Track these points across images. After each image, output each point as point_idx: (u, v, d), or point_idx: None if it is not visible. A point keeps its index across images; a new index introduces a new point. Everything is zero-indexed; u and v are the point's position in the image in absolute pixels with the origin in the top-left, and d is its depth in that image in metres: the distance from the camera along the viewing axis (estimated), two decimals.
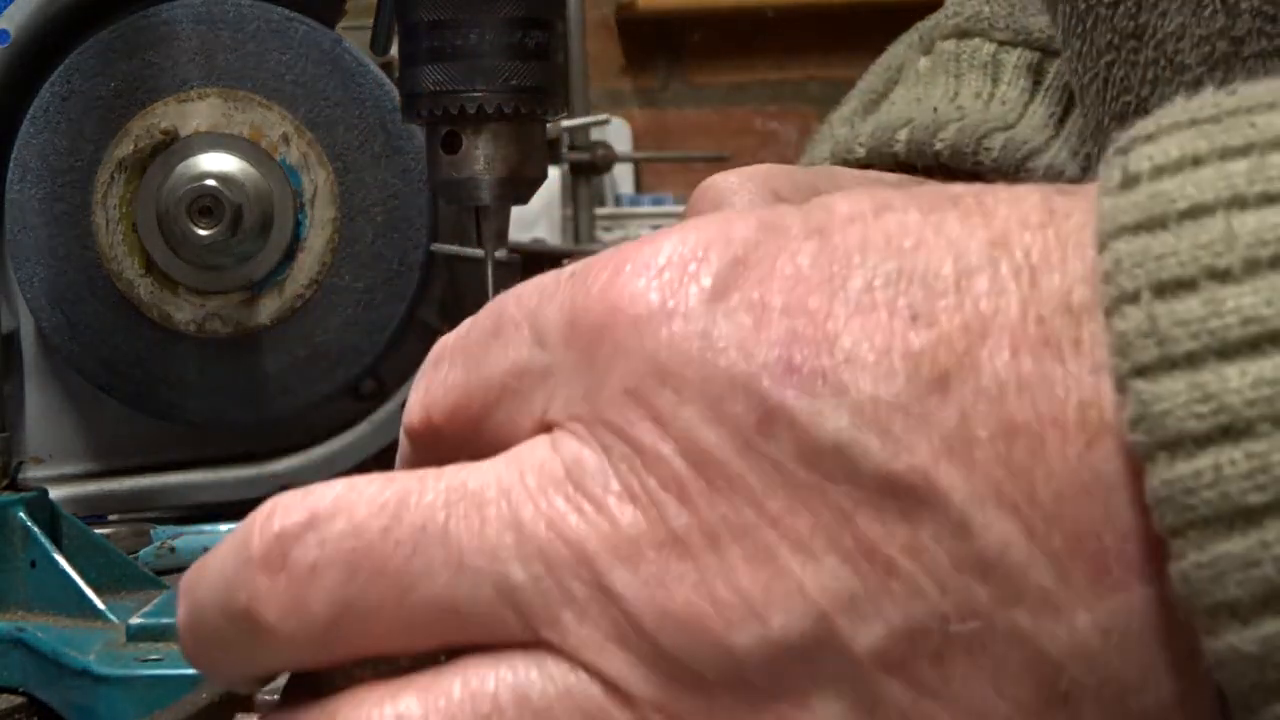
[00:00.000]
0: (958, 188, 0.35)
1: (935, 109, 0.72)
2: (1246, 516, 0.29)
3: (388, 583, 0.34)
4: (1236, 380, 0.29)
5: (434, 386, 0.38)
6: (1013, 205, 0.33)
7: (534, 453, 0.35)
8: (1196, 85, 0.47)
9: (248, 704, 0.50)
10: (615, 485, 0.33)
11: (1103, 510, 0.31)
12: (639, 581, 0.33)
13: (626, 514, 0.33)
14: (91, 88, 1.02)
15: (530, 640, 0.34)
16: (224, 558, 0.36)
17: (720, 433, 0.33)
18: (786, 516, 0.32)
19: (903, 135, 0.70)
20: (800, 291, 0.33)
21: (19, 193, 1.03)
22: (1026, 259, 0.32)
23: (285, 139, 1.03)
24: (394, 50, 0.80)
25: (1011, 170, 0.69)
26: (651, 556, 0.33)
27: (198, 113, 1.02)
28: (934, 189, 0.35)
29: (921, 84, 0.75)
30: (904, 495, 0.32)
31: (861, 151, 0.71)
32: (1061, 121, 0.72)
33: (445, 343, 0.38)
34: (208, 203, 1.01)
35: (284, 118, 1.03)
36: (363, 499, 0.35)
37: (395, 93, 0.93)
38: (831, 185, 0.62)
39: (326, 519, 0.35)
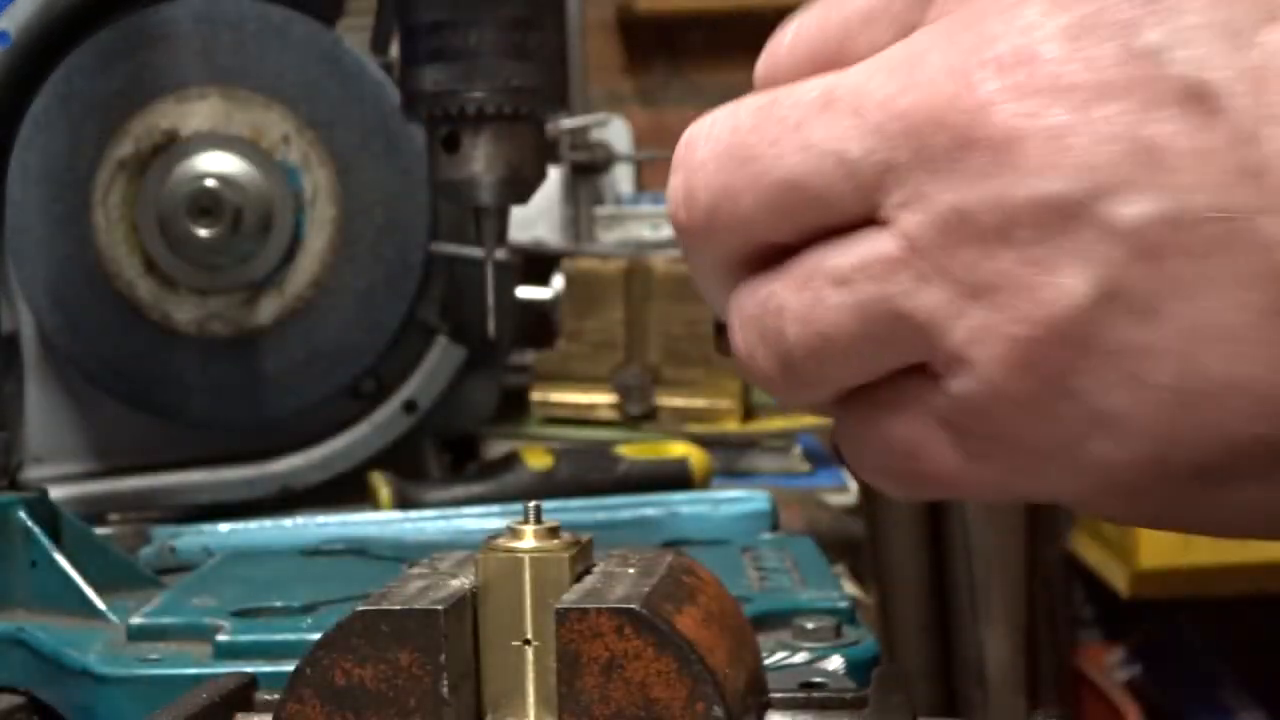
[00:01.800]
0: None
1: None
2: None
3: (752, 167, 0.41)
4: None
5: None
6: None
7: (893, 53, 0.40)
8: None
9: (248, 704, 0.51)
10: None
11: None
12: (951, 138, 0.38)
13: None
14: (91, 88, 1.02)
15: (863, 214, 0.40)
16: None
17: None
18: (1093, 98, 0.37)
19: None
20: None
21: (19, 193, 1.03)
22: None
23: (285, 139, 1.03)
24: (394, 50, 0.80)
25: None
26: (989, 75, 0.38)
27: (198, 113, 1.02)
28: None
29: None
30: (1201, 101, 0.36)
31: None
32: None
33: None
34: (208, 203, 1.01)
35: (284, 118, 1.03)
36: (745, 105, 0.42)
37: (395, 93, 0.93)
38: None
39: (717, 120, 0.43)
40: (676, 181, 0.43)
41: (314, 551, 0.83)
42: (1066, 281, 0.37)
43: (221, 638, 0.63)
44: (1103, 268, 0.37)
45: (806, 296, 0.41)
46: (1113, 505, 0.41)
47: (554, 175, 2.19)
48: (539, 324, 1.33)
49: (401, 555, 0.77)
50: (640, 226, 2.45)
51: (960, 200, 0.38)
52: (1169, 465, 0.39)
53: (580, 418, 1.30)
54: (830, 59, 0.43)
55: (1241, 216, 0.36)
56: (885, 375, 0.42)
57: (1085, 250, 0.37)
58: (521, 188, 0.77)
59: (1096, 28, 0.37)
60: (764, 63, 0.45)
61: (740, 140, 0.42)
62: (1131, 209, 0.37)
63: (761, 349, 0.43)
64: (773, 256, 0.42)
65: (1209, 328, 0.37)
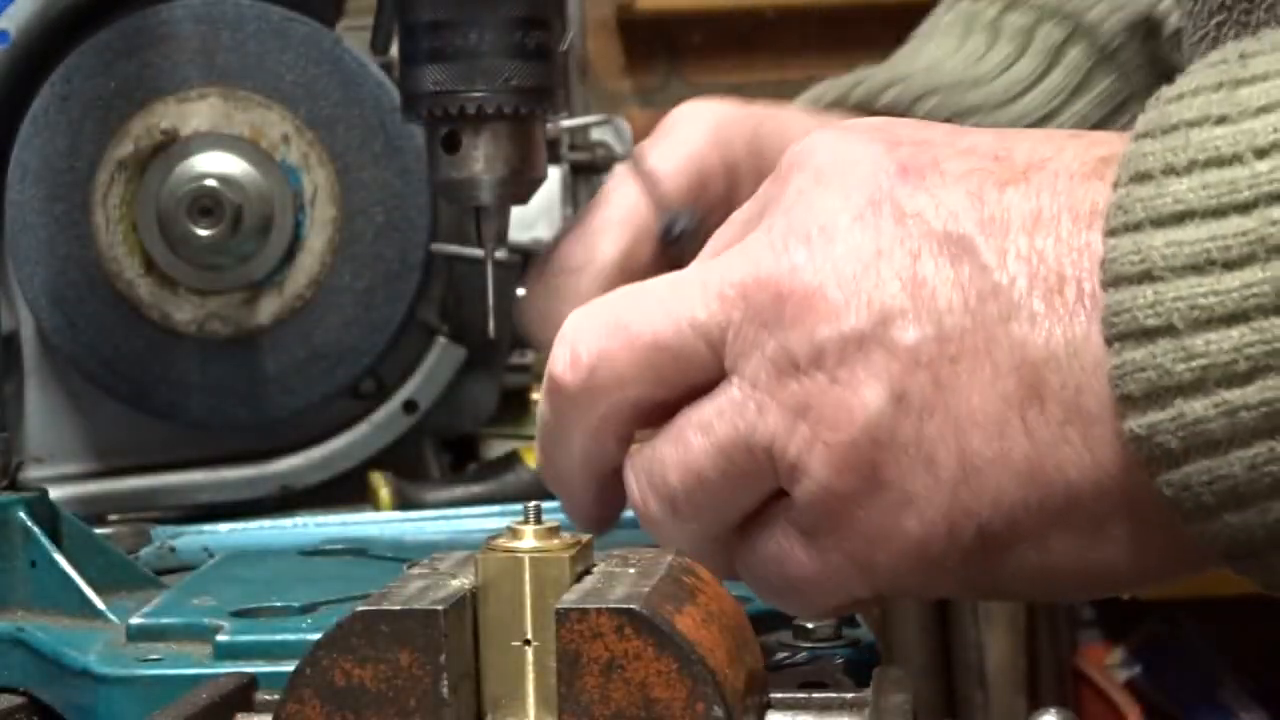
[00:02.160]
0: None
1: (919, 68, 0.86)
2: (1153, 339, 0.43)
3: (626, 332, 0.50)
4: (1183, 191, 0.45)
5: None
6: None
7: (735, 246, 0.52)
8: None
9: (248, 704, 0.51)
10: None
11: (1087, 264, 0.45)
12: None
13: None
14: (91, 88, 1.02)
15: (717, 369, 0.49)
16: None
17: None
18: (875, 254, 0.48)
19: (859, 92, 0.86)
20: (925, 132, 0.51)
21: (19, 193, 1.03)
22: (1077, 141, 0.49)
23: (285, 139, 1.03)
24: (394, 50, 0.80)
25: None
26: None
27: (198, 113, 1.02)
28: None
29: (935, 38, 0.89)
30: (955, 244, 0.47)
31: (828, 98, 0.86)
32: (1075, 94, 0.86)
33: None
34: (208, 203, 1.01)
35: (284, 118, 1.03)
36: (617, 291, 0.53)
37: (395, 93, 0.93)
38: (777, 127, 0.77)
39: (594, 304, 0.52)
40: (559, 351, 0.52)
41: (314, 552, 0.83)
42: (865, 394, 0.47)
43: (221, 638, 0.63)
44: (891, 380, 0.47)
45: (680, 446, 0.50)
46: (924, 581, 0.50)
47: (554, 175, 2.18)
48: None
49: (401, 555, 0.77)
50: None
51: (782, 342, 0.48)
52: (960, 535, 0.47)
53: None
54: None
55: (989, 326, 0.46)
56: (756, 507, 0.51)
57: (876, 368, 0.47)
58: (522, 188, 0.77)
59: (877, 205, 0.48)
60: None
61: (615, 312, 0.51)
62: (908, 332, 0.47)
63: (651, 497, 0.52)
64: (655, 419, 0.51)
65: (974, 416, 0.46)
